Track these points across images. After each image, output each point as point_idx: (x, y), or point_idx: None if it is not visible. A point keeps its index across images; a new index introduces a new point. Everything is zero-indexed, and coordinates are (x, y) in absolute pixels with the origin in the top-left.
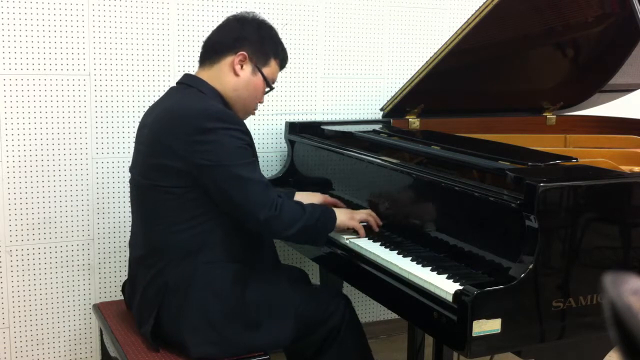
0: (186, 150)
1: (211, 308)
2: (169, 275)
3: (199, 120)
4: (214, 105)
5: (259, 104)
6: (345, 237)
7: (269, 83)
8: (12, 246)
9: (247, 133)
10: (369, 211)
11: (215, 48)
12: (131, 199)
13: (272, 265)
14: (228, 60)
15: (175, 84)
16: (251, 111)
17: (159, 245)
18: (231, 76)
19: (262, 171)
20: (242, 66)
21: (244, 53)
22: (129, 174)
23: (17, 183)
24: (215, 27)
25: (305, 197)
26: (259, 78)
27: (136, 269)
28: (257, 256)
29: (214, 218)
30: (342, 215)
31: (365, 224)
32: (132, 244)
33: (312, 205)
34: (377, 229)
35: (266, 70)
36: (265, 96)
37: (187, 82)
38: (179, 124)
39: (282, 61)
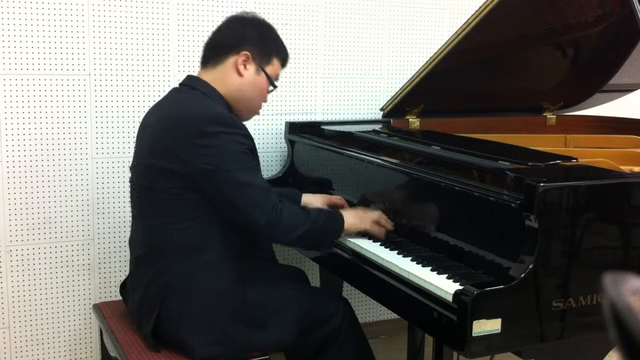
0: (187, 154)
1: (214, 308)
2: (170, 275)
3: (201, 123)
4: (217, 109)
5: (263, 104)
6: (350, 239)
7: (272, 82)
8: (12, 246)
9: (249, 137)
10: (379, 213)
11: (217, 49)
12: (131, 198)
13: (271, 264)
14: (231, 60)
15: (178, 85)
16: (256, 111)
17: (158, 245)
18: (235, 77)
19: (262, 171)
20: (245, 66)
21: (247, 53)
22: (129, 173)
23: (17, 183)
24: (215, 27)
25: (312, 199)
26: (262, 77)
27: (136, 268)
28: (256, 255)
29: (214, 218)
30: (352, 219)
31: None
32: (132, 243)
33: (318, 210)
34: (383, 237)
35: (269, 69)
36: (267, 95)
37: (191, 84)
38: (181, 127)
39: (284, 59)
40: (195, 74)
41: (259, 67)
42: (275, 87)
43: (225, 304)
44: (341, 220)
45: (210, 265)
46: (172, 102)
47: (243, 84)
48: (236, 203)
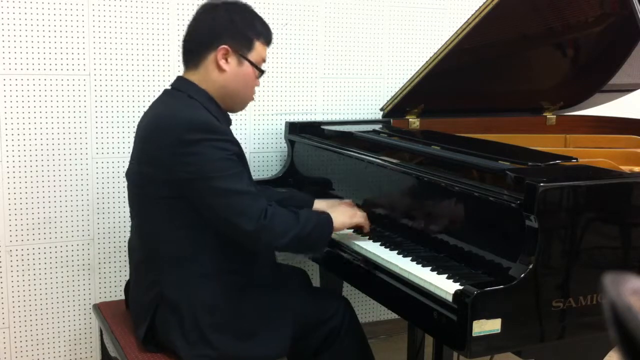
0: (170, 162)
1: (204, 321)
2: (163, 284)
3: (182, 132)
4: (200, 115)
5: (256, 89)
6: (352, 240)
7: (258, 67)
8: (12, 246)
9: (233, 143)
10: (364, 214)
11: (194, 49)
12: (129, 203)
13: (270, 272)
14: (210, 58)
15: (169, 87)
16: (249, 100)
17: (153, 252)
18: (217, 74)
19: (262, 171)
20: (227, 60)
21: (225, 47)
22: (126, 180)
23: (17, 183)
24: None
25: (323, 206)
26: (246, 67)
27: (135, 272)
28: (253, 265)
29: (205, 229)
30: (341, 217)
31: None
32: (131, 246)
33: (307, 212)
34: (367, 230)
35: (252, 56)
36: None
37: (178, 87)
38: (163, 135)
39: (267, 38)
40: (183, 74)
41: (240, 57)
42: (262, 72)
43: (215, 316)
44: (330, 222)
45: (202, 277)
46: (159, 108)
47: (227, 79)
48: (221, 211)
